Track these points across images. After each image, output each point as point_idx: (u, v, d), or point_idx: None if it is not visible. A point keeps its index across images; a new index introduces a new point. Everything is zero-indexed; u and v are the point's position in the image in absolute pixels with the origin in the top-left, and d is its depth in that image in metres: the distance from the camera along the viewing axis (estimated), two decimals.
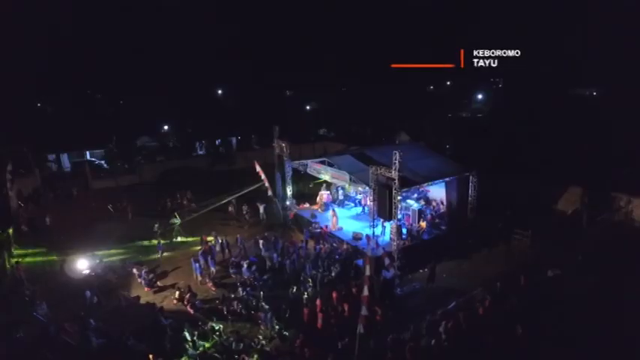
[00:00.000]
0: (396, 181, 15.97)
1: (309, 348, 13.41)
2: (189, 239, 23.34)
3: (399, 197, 16.98)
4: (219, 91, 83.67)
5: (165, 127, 43.11)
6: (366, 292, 12.03)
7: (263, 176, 25.86)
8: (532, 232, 21.35)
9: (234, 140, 46.81)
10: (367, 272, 12.49)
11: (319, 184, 26.39)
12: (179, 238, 23.68)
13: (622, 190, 23.62)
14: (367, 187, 19.86)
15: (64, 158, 41.71)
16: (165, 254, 21.56)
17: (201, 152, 43.86)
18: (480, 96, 67.70)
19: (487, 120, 53.67)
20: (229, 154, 40.00)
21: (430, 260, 18.31)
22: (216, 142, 44.86)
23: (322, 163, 22.35)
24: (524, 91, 63.72)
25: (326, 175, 22.01)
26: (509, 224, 22.25)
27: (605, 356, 12.47)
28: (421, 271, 19.07)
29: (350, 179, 19.85)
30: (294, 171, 25.75)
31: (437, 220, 21.77)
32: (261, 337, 14.54)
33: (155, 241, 22.18)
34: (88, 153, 42.34)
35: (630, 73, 59.89)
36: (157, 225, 24.78)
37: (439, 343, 12.97)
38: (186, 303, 16.56)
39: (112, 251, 22.07)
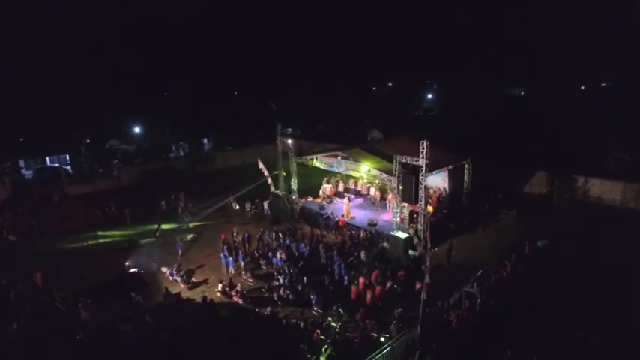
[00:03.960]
0: (424, 168, 17.88)
1: (370, 319, 14.86)
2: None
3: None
4: (165, 93, 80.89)
5: (137, 130, 41.37)
6: (428, 262, 13.72)
7: (266, 173, 26.61)
8: (516, 212, 24.63)
9: (205, 142, 46.20)
10: (429, 245, 14.22)
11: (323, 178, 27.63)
12: (189, 237, 23.70)
13: (579, 173, 27.92)
14: (379, 177, 21.59)
15: (21, 165, 38.52)
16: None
17: (175, 154, 42.77)
18: (429, 95, 72.63)
19: (444, 116, 58.13)
20: (209, 156, 39.67)
21: (445, 239, 20.64)
22: (193, 144, 44.10)
23: (334, 157, 23.62)
24: (463, 91, 69.98)
25: (340, 167, 23.35)
26: (495, 206, 25.45)
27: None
28: (432, 250, 21.22)
29: (368, 170, 21.37)
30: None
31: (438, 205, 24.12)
32: (323, 316, 15.64)
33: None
34: (48, 159, 39.39)
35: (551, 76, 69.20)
36: (157, 227, 24.56)
37: (483, 303, 15.09)
38: (234, 294, 17.08)
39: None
